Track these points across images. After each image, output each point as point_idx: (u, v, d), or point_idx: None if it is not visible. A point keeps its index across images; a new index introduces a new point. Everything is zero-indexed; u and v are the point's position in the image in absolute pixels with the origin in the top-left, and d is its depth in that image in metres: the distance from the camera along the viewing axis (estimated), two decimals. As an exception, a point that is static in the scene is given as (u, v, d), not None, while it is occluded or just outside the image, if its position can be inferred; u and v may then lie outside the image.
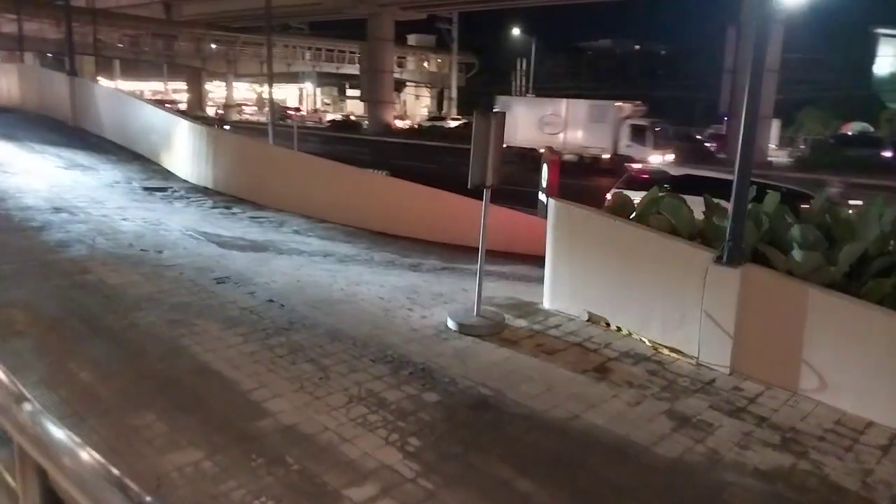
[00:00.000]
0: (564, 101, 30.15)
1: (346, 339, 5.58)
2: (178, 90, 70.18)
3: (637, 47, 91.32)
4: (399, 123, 50.22)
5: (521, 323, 6.30)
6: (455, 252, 9.48)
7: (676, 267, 5.82)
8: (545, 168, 11.05)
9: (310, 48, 67.77)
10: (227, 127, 31.29)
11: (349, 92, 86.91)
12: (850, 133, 40.58)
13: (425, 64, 75.09)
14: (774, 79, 30.20)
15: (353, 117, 53.37)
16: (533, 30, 59.55)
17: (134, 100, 16.99)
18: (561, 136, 28.66)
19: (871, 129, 43.98)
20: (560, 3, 46.75)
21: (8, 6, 48.14)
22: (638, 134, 27.22)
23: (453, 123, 49.77)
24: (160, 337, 5.35)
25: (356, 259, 8.57)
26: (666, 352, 5.82)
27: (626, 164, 18.19)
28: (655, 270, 5.95)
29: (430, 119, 56.27)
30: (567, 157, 25.20)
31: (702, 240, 5.97)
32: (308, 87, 72.94)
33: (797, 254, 5.17)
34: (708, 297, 5.52)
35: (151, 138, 14.20)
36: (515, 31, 58.81)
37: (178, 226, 9.10)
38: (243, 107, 64.76)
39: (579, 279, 6.49)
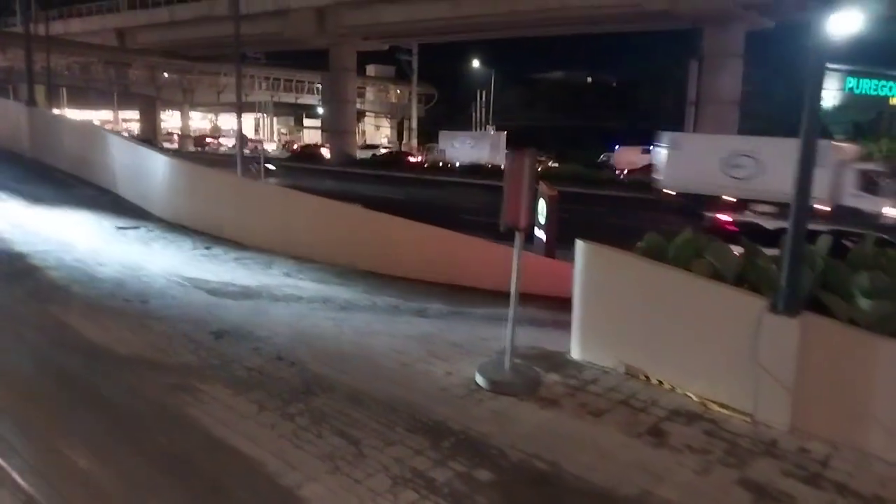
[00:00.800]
0: (758, 138, 25.31)
1: (371, 403, 5.00)
2: (129, 119, 68.54)
3: (589, 79, 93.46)
4: (360, 154, 49.79)
5: (555, 377, 5.81)
6: (457, 294, 8.97)
7: (724, 315, 5.43)
8: (543, 204, 10.68)
9: (267, 78, 67.12)
10: (271, 167, 29.93)
11: (306, 122, 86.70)
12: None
13: (385, 94, 75.13)
14: (735, 111, 30.90)
15: (322, 146, 52.81)
16: (490, 62, 60.34)
17: (101, 131, 16.14)
18: (755, 180, 23.39)
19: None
20: (515, 37, 47.20)
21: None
22: (869, 181, 22.54)
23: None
24: (161, 406, 4.68)
25: (358, 305, 7.98)
26: (716, 408, 5.39)
27: (708, 213, 16.11)
28: (700, 319, 5.55)
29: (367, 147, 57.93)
30: (761, 208, 20.52)
31: (748, 285, 5.60)
32: (264, 116, 72.32)
33: (864, 302, 4.84)
34: (762, 348, 5.12)
35: (120, 172, 13.38)
36: (473, 63, 59.45)
37: (159, 270, 8.38)
38: (220, 139, 63.42)
39: (614, 328, 6.04)
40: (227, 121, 73.67)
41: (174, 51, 57.81)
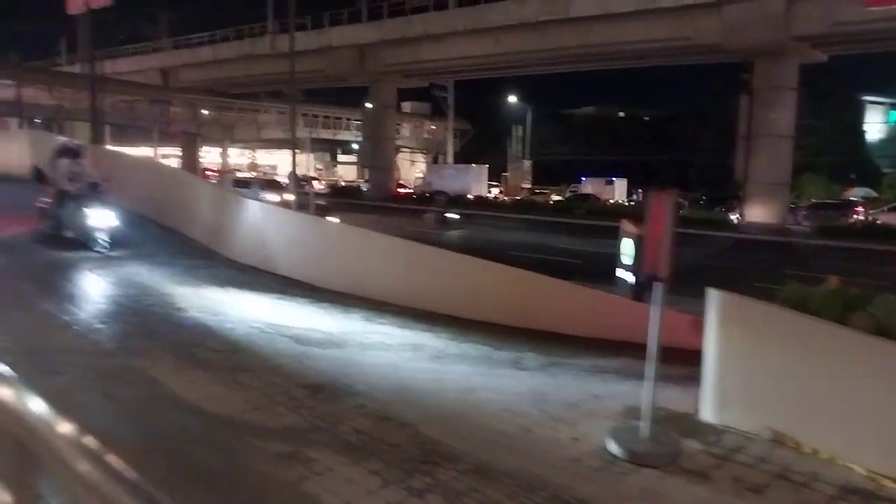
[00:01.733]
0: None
1: (503, 478, 4.42)
2: (168, 155, 69.77)
3: (621, 114, 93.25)
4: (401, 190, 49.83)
5: (694, 445, 5.17)
6: (545, 341, 8.38)
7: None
8: (629, 242, 10.08)
9: (305, 114, 67.97)
10: (454, 216, 29.54)
11: (340, 157, 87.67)
12: (854, 199, 40.60)
13: (420, 130, 75.64)
14: (789, 144, 30.06)
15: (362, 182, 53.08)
16: (525, 96, 60.38)
17: (165, 167, 16.05)
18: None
19: (875, 193, 44.11)
20: (551, 73, 47.13)
21: (8, 73, 47.93)
22: None
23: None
24: (277, 481, 4.15)
25: (448, 354, 7.45)
26: (891, 485, 4.70)
27: None
28: (865, 380, 4.89)
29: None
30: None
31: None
32: (307, 153, 73.15)
33: None
34: (949, 417, 4.46)
35: (188, 211, 13.12)
36: (508, 98, 59.53)
37: (239, 315, 7.95)
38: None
39: (757, 389, 5.40)
40: (265, 157, 74.72)
41: (215, 89, 58.92)
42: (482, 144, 75.08)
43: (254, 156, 74.86)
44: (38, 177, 12.65)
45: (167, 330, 7.35)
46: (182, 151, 60.91)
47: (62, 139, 16.37)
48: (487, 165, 57.72)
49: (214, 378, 5.83)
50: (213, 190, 13.30)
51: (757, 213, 29.75)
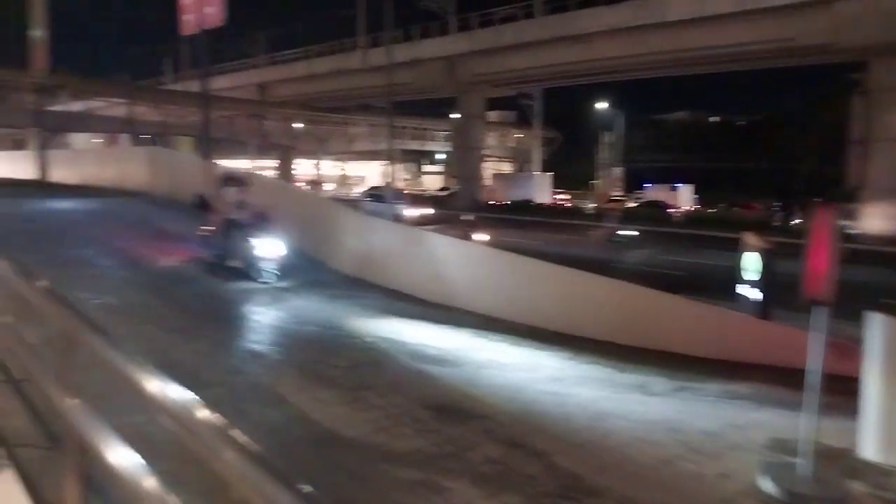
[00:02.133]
0: None
1: (652, 516, 4.09)
2: (261, 168, 72.28)
3: (714, 118, 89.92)
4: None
5: (860, 487, 4.66)
6: (668, 362, 7.92)
7: None
8: (752, 256, 9.47)
9: (395, 126, 68.96)
10: (629, 232, 26.36)
11: (425, 167, 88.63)
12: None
13: (506, 139, 75.37)
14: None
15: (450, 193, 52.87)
16: (614, 102, 59.01)
17: (311, 194, 16.32)
18: None
19: None
20: (642, 78, 45.83)
21: (125, 92, 51.04)
22: None
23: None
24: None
25: (569, 375, 7.15)
26: None
27: None
28: None
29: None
30: None
31: None
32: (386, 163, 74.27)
33: None
34: None
35: (336, 239, 12.77)
36: (596, 105, 58.33)
37: (352, 325, 7.94)
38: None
39: (933, 426, 4.82)
40: (353, 168, 76.40)
41: (309, 103, 60.72)
42: (570, 152, 73.98)
43: (343, 167, 76.74)
44: (202, 204, 12.08)
45: (290, 341, 7.37)
46: (279, 164, 63.16)
47: (224, 167, 15.88)
48: (552, 173, 61.28)
49: (336, 396, 5.76)
50: (369, 221, 13.33)
51: (875, 222, 27.68)
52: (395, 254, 11.78)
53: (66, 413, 2.31)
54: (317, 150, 63.57)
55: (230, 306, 9.32)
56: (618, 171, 59.89)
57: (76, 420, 2.23)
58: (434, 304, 10.30)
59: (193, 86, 63.28)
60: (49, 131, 52.24)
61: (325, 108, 62.64)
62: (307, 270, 11.60)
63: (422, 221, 25.04)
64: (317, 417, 5.21)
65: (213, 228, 11.16)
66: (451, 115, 68.97)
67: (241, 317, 8.91)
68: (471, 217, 23.68)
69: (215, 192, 11.77)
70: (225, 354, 6.82)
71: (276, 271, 10.49)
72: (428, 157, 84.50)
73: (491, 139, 72.43)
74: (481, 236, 19.90)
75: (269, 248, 10.38)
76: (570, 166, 73.77)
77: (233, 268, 10.68)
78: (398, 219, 22.37)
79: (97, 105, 54.10)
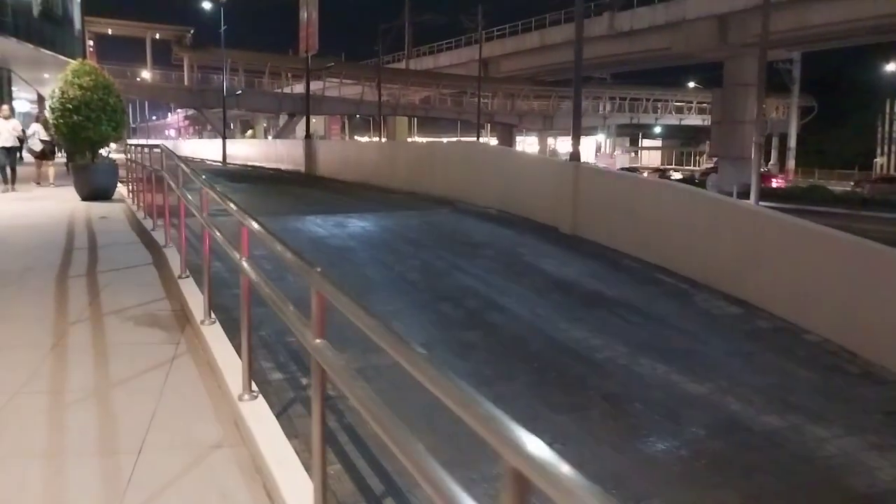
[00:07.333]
0: None
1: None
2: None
3: None
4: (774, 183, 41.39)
5: None
6: None
7: None
8: None
9: (612, 98, 62.88)
10: None
11: (644, 142, 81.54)
12: None
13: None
14: None
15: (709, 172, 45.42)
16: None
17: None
18: None
19: None
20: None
21: (370, 74, 50.30)
22: None
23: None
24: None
25: None
26: None
27: None
28: None
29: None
30: None
31: None
32: (601, 138, 68.36)
33: None
34: None
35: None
36: (864, 69, 48.32)
37: None
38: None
39: None
40: (562, 145, 71.40)
41: (537, 77, 56.81)
42: (825, 125, 63.31)
43: (554, 144, 71.97)
44: None
45: None
46: (499, 142, 60.14)
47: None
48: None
49: None
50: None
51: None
52: None
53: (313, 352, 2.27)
54: (542, 127, 59.61)
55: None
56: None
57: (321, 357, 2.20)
58: None
59: (411, 65, 62.08)
60: (289, 114, 53.26)
61: (551, 83, 58.38)
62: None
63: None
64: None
65: None
66: (690, 84, 61.96)
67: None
68: None
69: None
70: None
71: None
72: (644, 130, 77.32)
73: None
74: None
75: None
76: (825, 139, 63.25)
77: None
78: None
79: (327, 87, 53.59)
